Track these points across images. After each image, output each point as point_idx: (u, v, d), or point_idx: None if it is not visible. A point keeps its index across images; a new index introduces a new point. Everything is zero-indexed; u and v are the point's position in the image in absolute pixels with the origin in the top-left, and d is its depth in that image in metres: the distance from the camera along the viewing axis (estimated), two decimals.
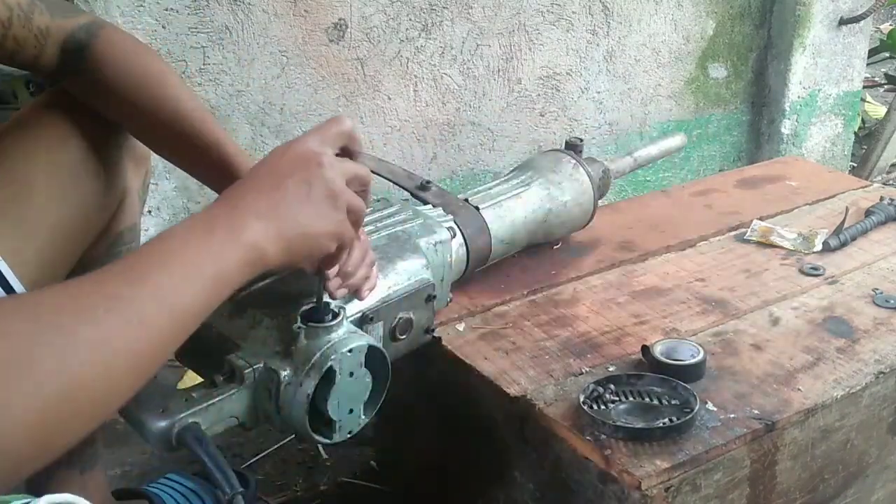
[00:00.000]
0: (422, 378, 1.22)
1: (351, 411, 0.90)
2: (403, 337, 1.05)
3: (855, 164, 2.69)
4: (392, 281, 1.03)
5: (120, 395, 0.60)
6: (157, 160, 1.67)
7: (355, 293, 0.96)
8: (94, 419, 0.58)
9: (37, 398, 0.53)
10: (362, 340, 0.88)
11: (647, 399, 1.01)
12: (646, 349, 1.08)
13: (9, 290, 0.91)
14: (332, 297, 0.92)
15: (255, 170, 0.75)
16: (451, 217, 1.20)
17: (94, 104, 1.00)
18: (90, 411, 0.57)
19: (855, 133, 2.61)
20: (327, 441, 0.90)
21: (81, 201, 0.99)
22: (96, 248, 1.03)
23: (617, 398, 1.01)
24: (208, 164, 0.98)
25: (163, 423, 0.80)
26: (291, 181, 0.73)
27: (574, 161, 1.37)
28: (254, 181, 0.73)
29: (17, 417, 0.52)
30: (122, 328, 0.58)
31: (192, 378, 1.46)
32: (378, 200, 1.21)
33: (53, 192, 0.97)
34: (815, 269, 1.32)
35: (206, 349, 0.95)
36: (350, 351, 0.86)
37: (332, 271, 0.90)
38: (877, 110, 3.12)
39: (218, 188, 0.99)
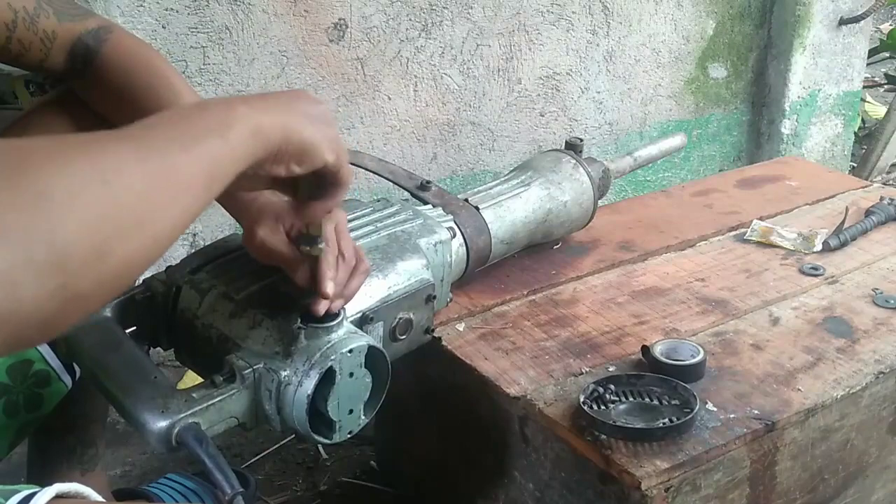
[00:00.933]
0: (422, 378, 1.22)
1: (351, 411, 0.90)
2: (403, 337, 1.05)
3: (855, 164, 2.69)
4: (392, 281, 1.03)
5: (152, 226, 0.56)
6: None
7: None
8: (113, 255, 0.53)
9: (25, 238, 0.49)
10: (362, 341, 0.88)
11: (647, 399, 1.01)
12: (646, 349, 1.08)
13: None
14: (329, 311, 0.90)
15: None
16: (451, 217, 1.20)
17: (99, 107, 1.00)
18: (128, 233, 0.54)
19: (855, 133, 2.61)
20: (327, 441, 0.90)
21: None
22: None
23: (617, 398, 1.01)
24: None
25: (163, 423, 0.81)
26: (285, 95, 0.72)
27: (574, 161, 1.37)
28: (245, 96, 0.72)
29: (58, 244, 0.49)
30: (142, 166, 0.56)
31: (192, 378, 1.46)
32: (378, 200, 1.21)
33: None
34: (815, 269, 1.32)
35: (206, 349, 0.95)
36: (350, 351, 0.87)
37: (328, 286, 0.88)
38: (877, 110, 3.12)
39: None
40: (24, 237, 0.49)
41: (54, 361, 1.01)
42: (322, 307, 0.88)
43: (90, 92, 0.98)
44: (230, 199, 0.94)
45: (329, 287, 0.87)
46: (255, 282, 0.96)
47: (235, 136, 0.64)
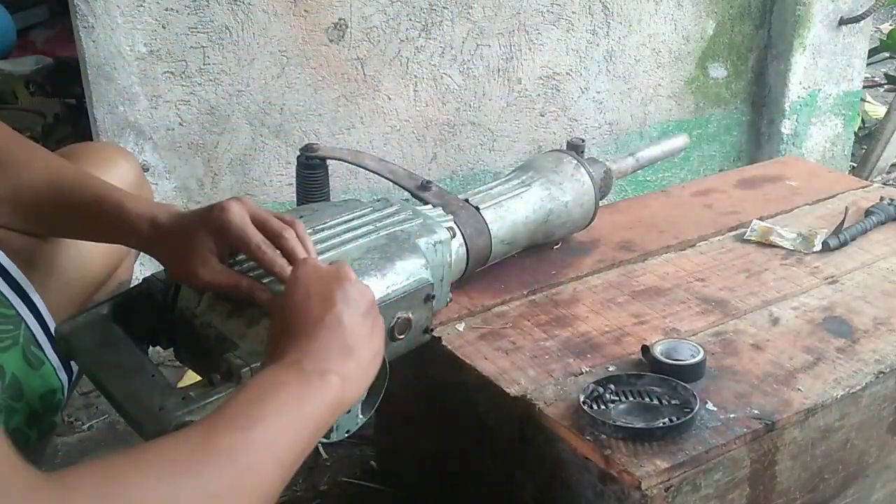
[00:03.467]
0: (422, 378, 1.22)
1: (349, 411, 0.89)
2: (402, 336, 1.05)
3: (855, 164, 2.69)
4: (391, 280, 1.03)
5: None
6: (157, 160, 1.68)
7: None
8: None
9: None
10: None
11: (647, 399, 1.01)
12: (646, 349, 1.08)
13: (47, 330, 0.98)
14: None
15: (294, 315, 0.79)
16: (450, 217, 1.20)
17: None
18: None
19: (855, 133, 2.61)
20: (325, 440, 0.89)
21: (102, 253, 1.06)
22: (97, 295, 1.08)
23: (617, 398, 1.01)
24: (98, 220, 0.96)
25: (161, 422, 0.80)
26: (339, 322, 0.78)
27: (575, 161, 1.37)
28: (327, 343, 0.76)
29: None
30: (235, 477, 0.61)
31: (191, 377, 1.46)
32: (378, 200, 1.21)
33: (86, 246, 1.03)
34: (814, 268, 1.32)
35: (204, 348, 0.95)
36: None
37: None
38: (877, 110, 3.12)
39: (118, 240, 0.98)
40: None
41: (62, 374, 1.01)
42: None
43: None
44: (138, 238, 0.94)
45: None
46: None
47: (329, 401, 0.72)
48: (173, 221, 0.93)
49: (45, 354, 0.97)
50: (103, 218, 0.94)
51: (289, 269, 0.89)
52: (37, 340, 0.96)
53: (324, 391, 0.72)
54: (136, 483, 0.55)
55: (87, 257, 1.06)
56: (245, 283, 0.92)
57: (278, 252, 0.91)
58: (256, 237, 0.90)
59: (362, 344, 0.78)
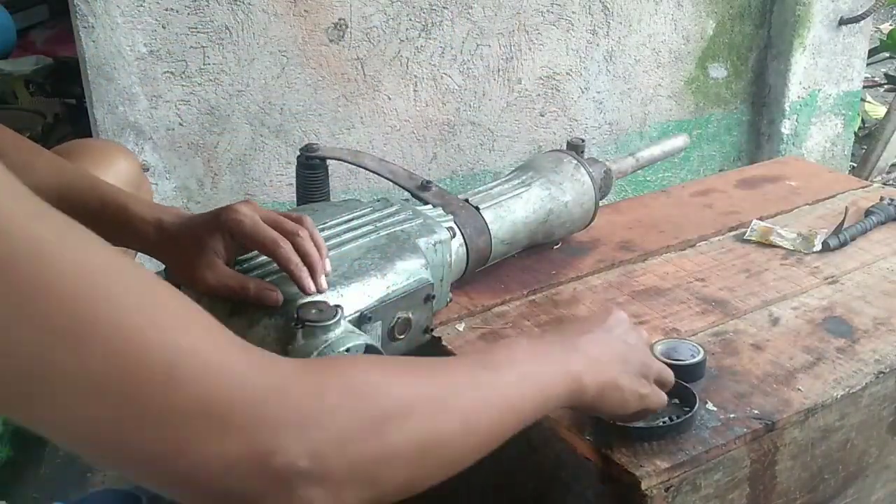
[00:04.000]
0: None
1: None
2: (402, 337, 1.05)
3: (855, 164, 2.69)
4: (391, 280, 1.03)
5: (464, 462, 0.68)
6: (157, 160, 1.68)
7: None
8: (436, 477, 0.65)
9: (408, 444, 0.59)
10: (360, 340, 0.88)
11: None
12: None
13: None
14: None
15: (586, 318, 0.88)
16: (451, 217, 1.20)
17: None
18: (438, 470, 0.65)
19: (855, 133, 2.61)
20: None
21: None
22: None
23: None
24: (102, 221, 0.95)
25: None
26: (615, 336, 0.84)
27: (575, 161, 1.37)
28: (585, 327, 0.84)
29: (391, 453, 0.58)
30: (481, 403, 0.66)
31: None
32: (378, 200, 1.21)
33: None
34: (814, 268, 1.32)
35: None
36: (347, 350, 0.86)
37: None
38: (877, 110, 3.12)
39: (122, 242, 0.97)
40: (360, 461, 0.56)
41: None
42: (308, 284, 0.92)
43: None
44: (144, 241, 0.94)
45: (315, 284, 0.92)
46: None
47: (563, 388, 0.75)
48: (180, 224, 0.93)
49: None
50: (108, 221, 0.94)
51: (304, 267, 0.90)
52: None
53: (561, 370, 0.75)
54: (407, 385, 0.61)
55: None
56: (254, 286, 0.92)
57: (295, 253, 0.91)
58: (272, 233, 0.91)
59: (622, 366, 0.82)
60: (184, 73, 1.65)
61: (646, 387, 0.86)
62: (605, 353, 0.81)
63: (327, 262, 0.94)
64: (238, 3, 1.65)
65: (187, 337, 0.50)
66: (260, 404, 0.51)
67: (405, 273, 1.05)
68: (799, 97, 2.36)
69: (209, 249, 0.91)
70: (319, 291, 0.92)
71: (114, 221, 0.94)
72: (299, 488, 0.52)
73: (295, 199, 1.33)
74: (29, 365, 0.45)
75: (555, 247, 1.40)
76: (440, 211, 1.21)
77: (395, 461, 0.59)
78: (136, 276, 0.51)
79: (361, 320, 0.99)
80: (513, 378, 0.71)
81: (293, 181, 1.33)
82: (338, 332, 0.88)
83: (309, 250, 0.92)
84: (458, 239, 1.20)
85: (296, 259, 0.91)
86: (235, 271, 0.94)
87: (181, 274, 0.94)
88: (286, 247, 0.91)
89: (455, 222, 1.20)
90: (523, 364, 0.73)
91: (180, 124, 1.68)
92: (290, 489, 0.51)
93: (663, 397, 0.89)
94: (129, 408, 0.47)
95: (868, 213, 1.47)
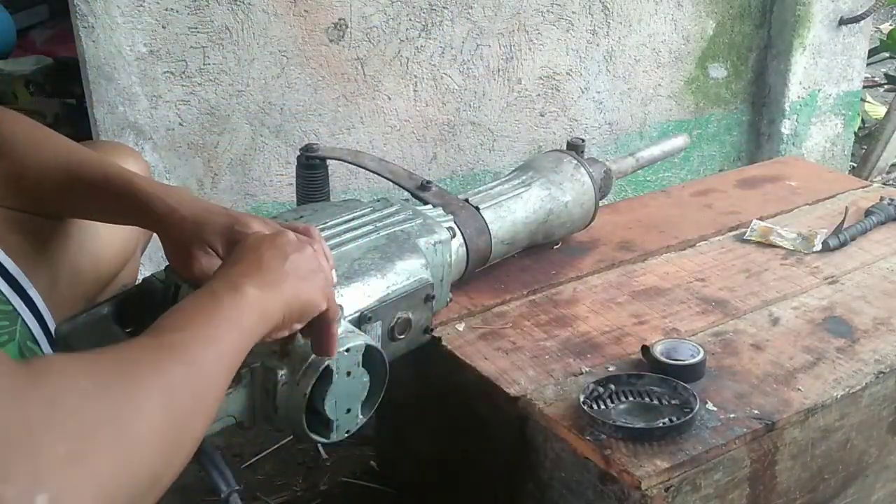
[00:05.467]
0: (422, 378, 1.22)
1: (348, 411, 0.89)
2: (402, 337, 1.05)
3: (855, 164, 2.69)
4: (391, 280, 1.03)
5: (194, 436, 0.62)
6: (157, 160, 1.67)
7: None
8: (164, 479, 0.58)
9: (104, 471, 0.52)
10: (360, 340, 0.88)
11: (647, 399, 1.01)
12: (646, 349, 1.08)
13: (45, 327, 0.98)
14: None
15: (242, 253, 0.81)
16: (450, 217, 1.20)
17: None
18: (168, 454, 0.59)
19: (855, 133, 2.60)
20: (324, 440, 0.90)
21: (111, 251, 1.07)
22: (102, 295, 1.08)
23: (617, 398, 1.01)
24: (109, 196, 0.96)
25: None
26: (278, 258, 0.80)
27: (575, 161, 1.37)
28: (242, 265, 0.79)
29: (93, 473, 0.51)
30: (184, 371, 0.62)
31: None
32: (378, 200, 1.21)
33: (85, 238, 1.04)
34: (814, 268, 1.32)
35: None
36: (347, 350, 0.86)
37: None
38: (877, 110, 3.12)
39: (126, 218, 0.98)
40: (105, 479, 0.52)
41: None
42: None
43: None
44: (150, 216, 0.94)
45: None
46: None
47: (248, 323, 0.72)
48: (188, 209, 0.93)
49: (41, 350, 0.98)
50: (114, 195, 0.95)
51: None
52: (34, 336, 0.97)
53: (239, 300, 0.72)
54: (98, 382, 0.55)
55: (96, 254, 1.06)
56: None
57: None
58: None
59: (294, 280, 0.79)
60: (184, 73, 1.64)
61: (324, 285, 0.83)
62: (278, 270, 0.78)
63: (333, 273, 0.94)
64: (238, 3, 1.65)
65: None
66: None
67: (405, 273, 1.05)
68: (799, 97, 2.36)
69: (209, 246, 0.91)
70: None
71: (120, 195, 0.94)
72: None
73: (295, 199, 1.33)
74: None
75: (555, 247, 1.40)
76: (440, 211, 1.21)
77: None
78: None
79: (361, 320, 0.99)
80: (212, 329, 0.68)
81: (293, 181, 1.33)
82: (338, 332, 0.88)
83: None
84: (458, 239, 1.20)
85: None
86: None
87: (175, 258, 0.94)
88: None
89: (455, 222, 1.20)
90: (209, 316, 0.69)
91: (180, 124, 1.68)
92: None
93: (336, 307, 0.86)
94: None
95: (868, 213, 1.47)
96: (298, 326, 0.81)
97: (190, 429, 0.62)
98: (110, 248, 1.08)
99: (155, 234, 0.97)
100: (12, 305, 0.95)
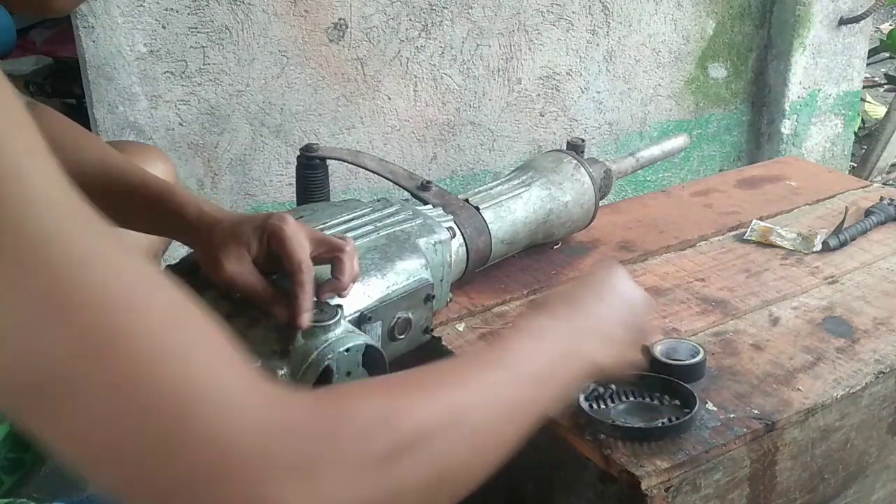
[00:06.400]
0: None
1: None
2: (402, 337, 1.05)
3: (855, 164, 2.69)
4: (391, 280, 1.03)
5: (479, 480, 0.65)
6: None
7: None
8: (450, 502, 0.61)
9: (421, 476, 0.55)
10: (360, 340, 0.88)
11: (647, 399, 1.01)
12: (646, 349, 1.08)
13: None
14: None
15: (591, 281, 0.84)
16: (450, 217, 1.20)
17: None
18: (452, 495, 0.62)
19: (855, 133, 2.61)
20: None
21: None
22: None
23: (617, 398, 1.01)
24: (144, 204, 0.96)
25: None
26: (620, 301, 0.83)
27: (575, 161, 1.37)
28: (592, 298, 0.81)
29: (402, 489, 0.53)
30: (502, 415, 0.64)
31: None
32: (378, 200, 1.21)
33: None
34: (814, 268, 1.32)
35: None
36: (347, 350, 0.86)
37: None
38: (877, 110, 3.12)
39: (159, 228, 0.98)
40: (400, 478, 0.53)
41: None
42: (304, 320, 0.88)
43: None
44: (185, 224, 0.94)
45: (305, 320, 0.88)
46: None
47: (582, 370, 0.73)
48: (222, 214, 0.93)
49: None
50: (145, 202, 0.95)
51: (311, 300, 0.89)
52: None
53: (578, 360, 0.73)
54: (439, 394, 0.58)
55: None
56: (268, 293, 0.91)
57: (312, 284, 0.90)
58: (304, 254, 0.90)
59: (623, 331, 0.81)
60: (184, 73, 1.64)
61: (642, 336, 0.86)
62: (615, 324, 0.80)
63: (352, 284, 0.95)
64: (238, 3, 1.65)
65: (209, 370, 0.48)
66: (266, 448, 0.47)
67: (405, 273, 1.05)
68: (799, 97, 2.36)
69: (243, 242, 0.90)
70: (301, 327, 0.89)
71: (153, 202, 0.94)
72: None
73: (295, 199, 1.33)
74: (50, 369, 0.44)
75: (555, 247, 1.40)
76: (440, 211, 1.21)
77: (407, 496, 0.54)
78: (170, 295, 0.49)
79: (361, 320, 0.99)
80: (528, 380, 0.67)
81: (293, 181, 1.33)
82: (338, 332, 0.88)
83: (346, 267, 0.93)
84: (458, 239, 1.19)
85: (310, 290, 0.89)
86: (258, 272, 0.92)
87: (206, 259, 0.93)
88: (307, 274, 0.89)
89: (455, 222, 1.20)
90: (537, 361, 0.69)
91: (180, 124, 1.68)
92: None
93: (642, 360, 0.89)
94: (134, 435, 0.45)
95: (868, 213, 1.47)
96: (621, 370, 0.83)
97: (476, 473, 0.65)
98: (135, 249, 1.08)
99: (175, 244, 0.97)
100: None
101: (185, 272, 0.98)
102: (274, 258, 0.91)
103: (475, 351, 0.66)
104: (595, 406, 0.99)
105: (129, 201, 0.97)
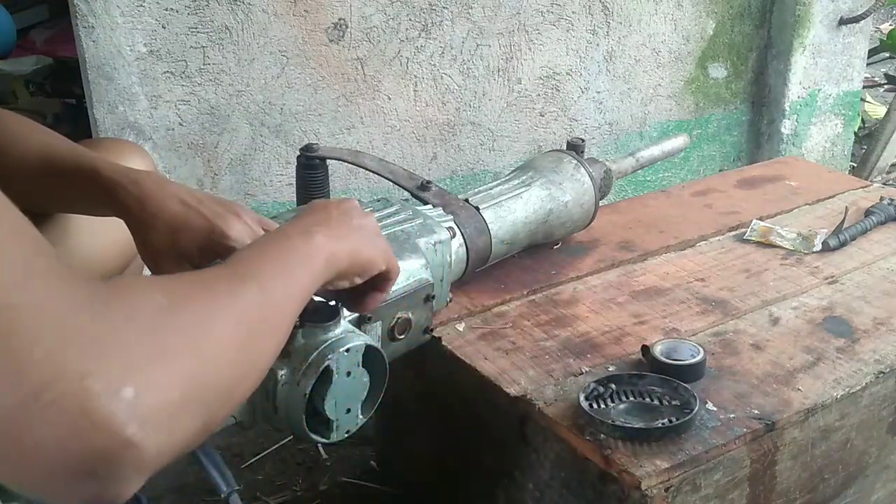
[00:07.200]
0: (422, 378, 1.22)
1: (348, 411, 0.89)
2: (402, 337, 1.05)
3: (855, 164, 2.69)
4: None
5: (264, 357, 0.65)
6: (157, 160, 1.67)
7: None
8: (237, 393, 0.61)
9: (182, 373, 0.54)
10: (360, 340, 0.88)
11: (647, 399, 1.01)
12: (646, 349, 1.08)
13: None
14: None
15: (310, 210, 0.85)
16: (450, 217, 1.20)
17: None
18: (240, 370, 0.61)
19: (855, 133, 2.60)
20: (324, 440, 0.89)
21: (104, 249, 1.07)
22: None
23: (617, 398, 1.01)
24: (80, 187, 0.94)
25: None
26: (343, 206, 0.85)
27: (575, 161, 1.37)
28: (312, 217, 0.82)
29: (160, 397, 0.52)
30: (256, 296, 0.64)
31: None
32: (378, 200, 1.21)
33: (82, 236, 1.05)
34: (814, 268, 1.32)
35: None
36: (347, 350, 0.86)
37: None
38: (877, 110, 3.12)
39: (109, 210, 0.95)
40: (184, 380, 0.54)
41: None
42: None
43: None
44: (123, 210, 0.91)
45: None
46: None
47: (317, 266, 0.75)
48: (162, 206, 0.90)
49: None
50: (84, 185, 0.92)
51: None
52: None
53: (310, 243, 0.75)
54: (154, 306, 0.56)
55: (96, 251, 1.06)
56: None
57: None
58: None
59: (358, 236, 0.82)
60: (184, 73, 1.64)
61: (386, 249, 0.87)
62: (345, 226, 0.82)
63: None
64: (238, 3, 1.65)
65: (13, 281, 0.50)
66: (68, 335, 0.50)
67: (405, 273, 1.05)
68: (799, 97, 2.36)
69: (185, 256, 0.89)
70: None
71: (88, 185, 0.92)
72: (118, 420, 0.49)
73: (295, 199, 1.33)
74: None
75: (555, 247, 1.40)
76: (440, 211, 1.21)
77: (212, 371, 0.57)
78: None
79: (361, 320, 0.99)
80: (282, 266, 0.70)
81: (293, 181, 1.33)
82: (337, 332, 0.88)
83: None
84: (458, 239, 1.19)
85: None
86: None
87: (144, 255, 0.92)
88: None
89: (455, 222, 1.20)
90: (280, 252, 0.72)
91: (180, 124, 1.68)
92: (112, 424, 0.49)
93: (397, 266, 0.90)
94: None
95: (868, 213, 1.47)
96: (359, 281, 0.84)
97: (259, 349, 0.64)
98: (112, 245, 1.07)
99: None
100: None
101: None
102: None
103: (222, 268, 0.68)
104: (595, 406, 0.99)
105: (67, 187, 0.95)
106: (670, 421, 0.96)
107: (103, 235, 1.06)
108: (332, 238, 0.78)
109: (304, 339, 0.86)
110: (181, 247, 0.89)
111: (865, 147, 2.73)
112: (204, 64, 1.66)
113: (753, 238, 1.42)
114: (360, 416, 0.91)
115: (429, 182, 1.27)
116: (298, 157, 1.29)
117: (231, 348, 0.60)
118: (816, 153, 2.47)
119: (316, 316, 0.87)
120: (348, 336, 0.88)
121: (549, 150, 1.46)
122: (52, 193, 0.98)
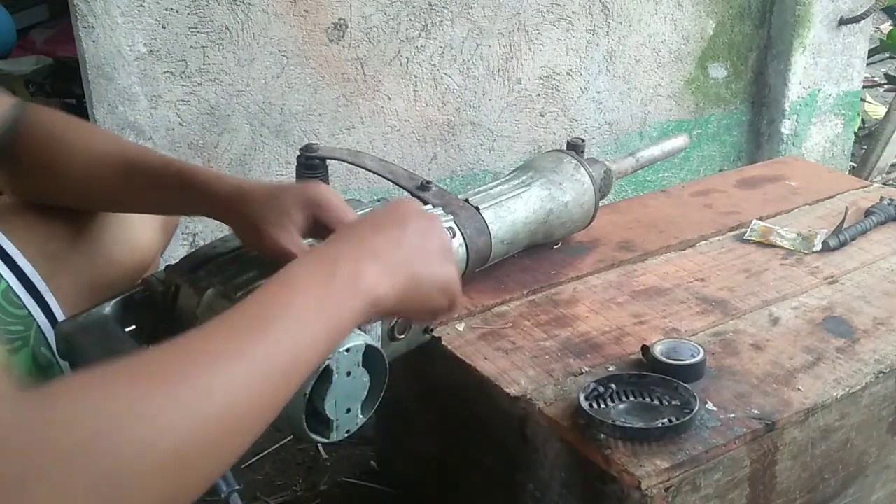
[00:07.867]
0: (422, 378, 1.22)
1: (348, 410, 0.89)
2: (402, 336, 1.05)
3: (855, 164, 2.69)
4: None
5: (225, 458, 0.56)
6: None
7: None
8: (206, 478, 0.54)
9: (157, 472, 0.49)
10: (360, 340, 0.88)
11: (647, 399, 1.01)
12: (646, 349, 1.08)
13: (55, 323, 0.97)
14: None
15: (374, 214, 0.77)
16: (450, 217, 1.20)
17: (27, 187, 0.99)
18: (202, 470, 0.54)
19: (855, 133, 2.60)
20: (324, 440, 0.90)
21: (122, 251, 1.05)
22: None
23: (617, 398, 1.01)
24: (170, 185, 0.95)
25: None
26: (411, 226, 0.75)
27: (575, 161, 1.37)
28: (374, 222, 0.74)
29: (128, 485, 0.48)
30: (229, 385, 0.55)
31: None
32: (378, 200, 1.21)
33: (105, 238, 1.02)
34: (814, 268, 1.32)
35: None
36: (347, 350, 0.86)
37: None
38: (877, 110, 3.12)
39: (188, 206, 0.97)
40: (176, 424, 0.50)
41: None
42: None
43: (15, 174, 0.98)
44: (216, 199, 0.92)
45: None
46: (253, 281, 0.95)
47: (357, 310, 0.66)
48: (251, 186, 0.91)
49: (54, 356, 0.98)
50: (177, 184, 0.93)
51: None
52: (47, 341, 0.96)
53: (350, 294, 0.66)
54: (116, 395, 0.51)
55: (115, 261, 1.05)
56: None
57: None
58: (353, 216, 0.90)
59: (421, 256, 0.74)
60: (184, 73, 1.64)
61: (451, 277, 0.78)
62: (401, 246, 0.72)
63: None
64: (238, 3, 1.65)
65: None
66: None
67: None
68: (799, 97, 2.36)
69: (285, 213, 0.88)
70: None
71: (183, 184, 0.93)
72: None
73: None
74: None
75: (555, 247, 1.40)
76: (440, 211, 1.21)
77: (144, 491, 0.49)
78: None
79: None
80: (294, 330, 0.60)
81: (293, 181, 1.33)
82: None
83: None
84: (458, 239, 1.20)
85: None
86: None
87: (248, 234, 0.91)
88: None
89: (455, 222, 1.20)
90: (301, 307, 0.62)
91: (180, 124, 1.68)
92: None
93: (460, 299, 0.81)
94: None
95: (868, 213, 1.47)
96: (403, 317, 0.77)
97: (269, 407, 0.58)
98: (145, 239, 1.07)
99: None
100: (27, 310, 0.95)
101: (188, 270, 0.99)
102: (317, 227, 0.90)
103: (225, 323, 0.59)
104: (595, 406, 0.99)
105: (154, 186, 0.96)
106: (670, 421, 0.96)
107: (136, 228, 1.05)
108: (385, 275, 0.69)
109: None
110: (283, 206, 0.88)
111: (865, 147, 2.73)
112: (204, 64, 1.66)
113: (753, 238, 1.42)
114: (360, 416, 0.91)
115: (429, 182, 1.27)
116: (298, 157, 1.29)
117: (233, 417, 0.54)
118: (816, 153, 2.47)
119: None
120: (348, 336, 0.88)
121: (549, 150, 1.46)
122: (131, 192, 0.97)
